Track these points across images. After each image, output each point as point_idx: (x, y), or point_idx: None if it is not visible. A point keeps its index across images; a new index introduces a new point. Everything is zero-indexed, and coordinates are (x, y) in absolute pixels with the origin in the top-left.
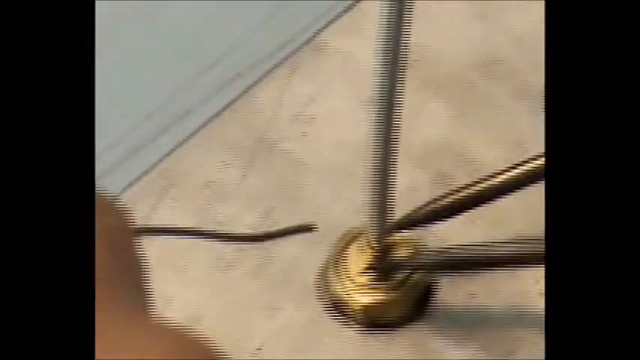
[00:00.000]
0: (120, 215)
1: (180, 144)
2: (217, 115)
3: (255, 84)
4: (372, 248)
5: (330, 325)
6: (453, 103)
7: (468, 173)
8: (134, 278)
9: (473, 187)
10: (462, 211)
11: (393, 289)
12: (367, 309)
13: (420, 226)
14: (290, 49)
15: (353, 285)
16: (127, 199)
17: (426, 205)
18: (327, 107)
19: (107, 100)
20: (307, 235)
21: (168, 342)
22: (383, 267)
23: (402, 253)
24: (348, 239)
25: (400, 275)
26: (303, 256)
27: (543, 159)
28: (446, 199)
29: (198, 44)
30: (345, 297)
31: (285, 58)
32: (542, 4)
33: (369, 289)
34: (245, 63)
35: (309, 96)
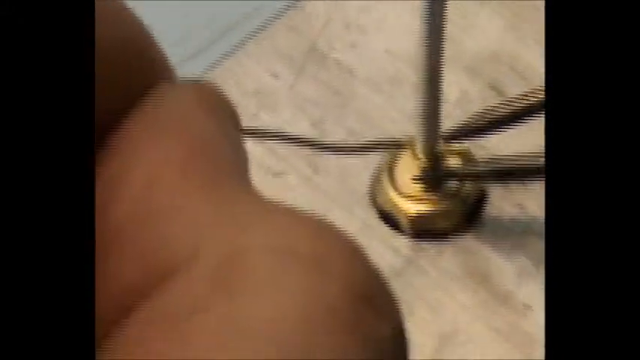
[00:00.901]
0: (233, 108)
1: (230, 53)
2: (267, 25)
3: None
4: (422, 158)
5: (381, 233)
6: (504, 13)
7: (520, 84)
8: (246, 170)
9: (525, 99)
10: (514, 123)
11: (443, 199)
12: (416, 219)
13: (470, 137)
14: None
15: (402, 195)
16: None
17: (477, 117)
18: (378, 16)
19: (160, 10)
20: (356, 144)
21: (311, 223)
22: (432, 177)
23: (451, 163)
24: (399, 149)
25: (450, 186)
26: (353, 166)
27: None
28: (497, 111)
29: None
30: (395, 207)
31: None
32: None
33: (418, 199)
34: None
35: (360, 6)
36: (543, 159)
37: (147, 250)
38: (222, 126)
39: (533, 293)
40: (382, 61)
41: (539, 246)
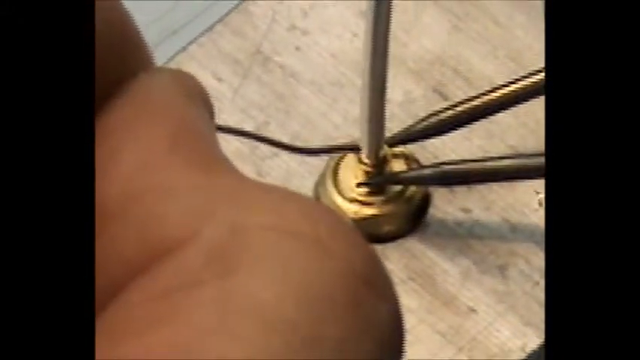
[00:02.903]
0: (207, 95)
1: (173, 57)
2: (211, 28)
3: None
4: (366, 162)
5: None
6: (448, 15)
7: (465, 88)
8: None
9: (470, 102)
10: (459, 127)
11: (387, 202)
12: (360, 222)
13: (415, 141)
14: None
15: (346, 198)
16: None
17: (422, 120)
18: (322, 20)
19: None
20: (300, 149)
21: (309, 204)
22: (376, 181)
23: (396, 167)
24: (342, 153)
25: (394, 190)
26: (297, 170)
27: (542, 74)
28: (442, 114)
29: None
30: (339, 210)
31: None
32: None
33: (362, 202)
34: None
35: (304, 9)
36: (487, 164)
37: (143, 228)
38: (200, 112)
39: (477, 296)
40: (326, 65)
41: (483, 249)
